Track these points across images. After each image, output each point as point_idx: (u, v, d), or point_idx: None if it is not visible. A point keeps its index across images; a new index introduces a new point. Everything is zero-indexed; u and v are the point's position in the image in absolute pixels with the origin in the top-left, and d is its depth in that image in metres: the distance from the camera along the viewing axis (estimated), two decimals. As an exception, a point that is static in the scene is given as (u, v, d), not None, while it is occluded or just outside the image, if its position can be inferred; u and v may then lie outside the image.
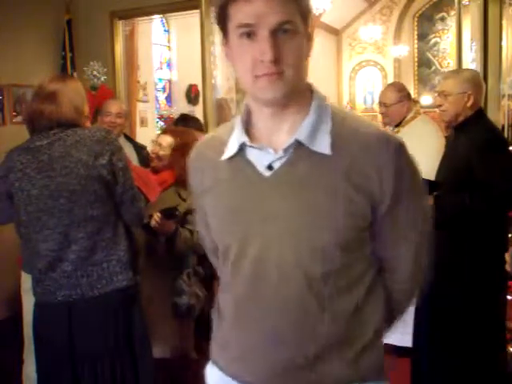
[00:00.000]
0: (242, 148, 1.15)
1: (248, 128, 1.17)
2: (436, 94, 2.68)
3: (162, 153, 2.73)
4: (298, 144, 1.09)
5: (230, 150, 1.16)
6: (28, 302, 2.64)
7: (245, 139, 1.14)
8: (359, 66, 20.16)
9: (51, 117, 2.06)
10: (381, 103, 3.50)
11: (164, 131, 2.91)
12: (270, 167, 1.11)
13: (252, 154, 1.14)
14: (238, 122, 1.18)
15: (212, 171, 1.22)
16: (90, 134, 2.07)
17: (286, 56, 1.05)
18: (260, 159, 1.13)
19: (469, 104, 2.53)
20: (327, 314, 1.10)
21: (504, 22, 3.72)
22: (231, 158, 1.16)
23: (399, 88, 3.49)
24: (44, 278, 2.10)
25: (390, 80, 17.98)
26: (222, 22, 1.09)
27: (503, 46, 3.74)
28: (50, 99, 2.07)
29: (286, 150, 1.10)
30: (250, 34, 1.04)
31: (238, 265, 1.16)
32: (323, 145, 1.09)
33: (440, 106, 2.61)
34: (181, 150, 2.69)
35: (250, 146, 1.13)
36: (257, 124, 1.17)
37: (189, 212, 2.68)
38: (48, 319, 2.14)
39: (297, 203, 1.09)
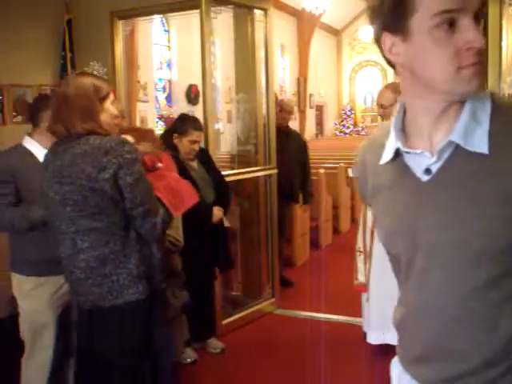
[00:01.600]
0: (398, 152, 1.11)
1: (404, 129, 1.13)
2: None
3: None
4: (453, 145, 1.04)
5: (387, 154, 1.13)
6: (27, 306, 2.63)
7: (399, 145, 1.09)
8: (359, 66, 20.21)
9: (62, 135, 2.06)
10: (378, 105, 3.51)
11: (122, 132, 2.85)
12: (427, 171, 1.07)
13: (409, 158, 1.10)
14: (392, 125, 1.13)
15: (373, 176, 1.20)
16: (100, 144, 1.99)
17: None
18: (417, 163, 1.08)
19: None
20: (493, 325, 1.04)
21: (504, 22, 3.72)
22: (389, 162, 1.14)
23: (396, 89, 3.48)
24: (68, 280, 2.18)
25: (390, 80, 18.00)
26: (401, 17, 0.99)
27: (503, 45, 3.74)
28: (57, 119, 2.05)
29: (440, 153, 1.05)
30: (452, 21, 0.96)
31: (406, 276, 1.15)
32: (479, 143, 1.01)
33: None
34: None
35: (406, 152, 1.09)
36: (415, 125, 1.10)
37: None
38: (77, 318, 2.22)
39: (458, 211, 1.03)
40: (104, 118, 2.08)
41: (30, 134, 2.67)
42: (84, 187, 1.98)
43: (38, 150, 2.58)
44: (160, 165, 2.36)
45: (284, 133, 4.90)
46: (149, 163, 2.31)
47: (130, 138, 2.60)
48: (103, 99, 2.09)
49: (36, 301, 2.60)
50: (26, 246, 2.58)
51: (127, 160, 1.98)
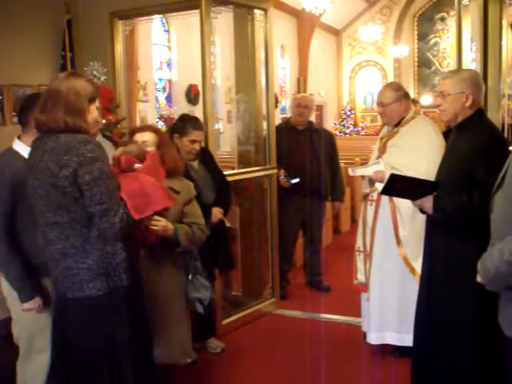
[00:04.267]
0: None
1: None
2: (436, 94, 2.68)
3: (149, 149, 2.70)
4: None
5: None
6: (20, 309, 2.59)
7: None
8: (359, 66, 20.21)
9: (44, 126, 2.11)
10: (378, 103, 3.50)
11: (140, 129, 2.86)
12: None
13: None
14: None
15: None
16: (64, 141, 2.05)
17: None
18: None
19: (467, 104, 2.53)
20: None
21: (504, 22, 3.72)
22: None
23: (396, 87, 3.49)
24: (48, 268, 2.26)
25: (390, 80, 18.00)
26: None
27: (503, 45, 3.74)
28: (42, 110, 2.11)
29: None
30: None
31: None
32: None
33: (439, 105, 2.61)
34: (164, 143, 2.75)
35: None
36: None
37: (186, 203, 2.71)
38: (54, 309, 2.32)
39: None
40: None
41: (19, 137, 2.62)
42: (47, 183, 2.07)
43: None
44: (138, 166, 2.37)
45: (309, 130, 4.83)
46: (124, 164, 2.34)
47: (150, 134, 2.68)
48: (90, 101, 2.16)
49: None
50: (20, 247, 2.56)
51: (87, 158, 2.03)
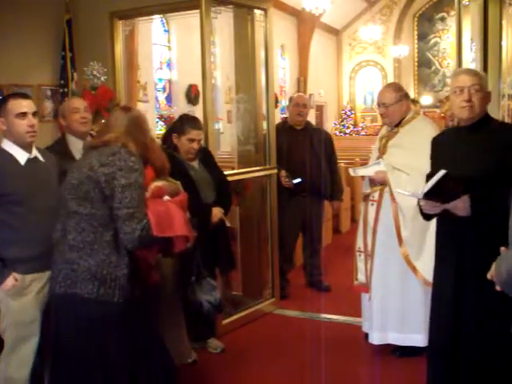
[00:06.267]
0: None
1: None
2: (458, 89, 2.48)
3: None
4: None
5: None
6: (15, 304, 2.60)
7: None
8: (359, 66, 20.23)
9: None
10: (380, 104, 3.49)
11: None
12: None
13: None
14: None
15: None
16: (113, 148, 2.22)
17: None
18: None
19: (489, 102, 2.54)
20: None
21: (504, 22, 3.72)
22: None
23: (397, 88, 3.49)
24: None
25: (390, 80, 18.03)
26: None
27: (503, 45, 3.74)
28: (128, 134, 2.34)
29: None
30: None
31: None
32: None
33: (469, 100, 2.45)
34: (152, 145, 2.74)
35: None
36: None
37: None
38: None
39: None
40: None
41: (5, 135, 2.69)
42: (84, 174, 2.20)
43: (17, 151, 2.64)
44: (167, 198, 2.42)
45: (307, 129, 4.83)
46: (155, 192, 2.39)
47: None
48: None
49: (23, 299, 2.59)
50: (10, 244, 2.59)
51: (128, 165, 2.17)
